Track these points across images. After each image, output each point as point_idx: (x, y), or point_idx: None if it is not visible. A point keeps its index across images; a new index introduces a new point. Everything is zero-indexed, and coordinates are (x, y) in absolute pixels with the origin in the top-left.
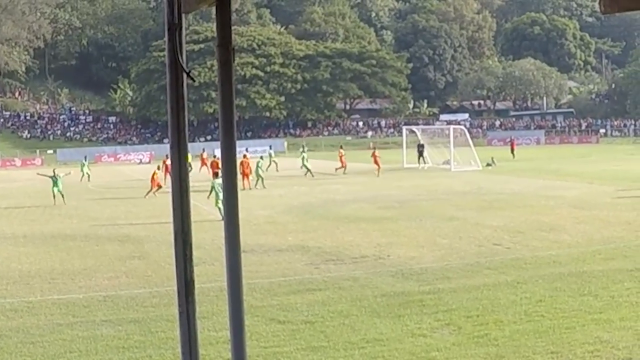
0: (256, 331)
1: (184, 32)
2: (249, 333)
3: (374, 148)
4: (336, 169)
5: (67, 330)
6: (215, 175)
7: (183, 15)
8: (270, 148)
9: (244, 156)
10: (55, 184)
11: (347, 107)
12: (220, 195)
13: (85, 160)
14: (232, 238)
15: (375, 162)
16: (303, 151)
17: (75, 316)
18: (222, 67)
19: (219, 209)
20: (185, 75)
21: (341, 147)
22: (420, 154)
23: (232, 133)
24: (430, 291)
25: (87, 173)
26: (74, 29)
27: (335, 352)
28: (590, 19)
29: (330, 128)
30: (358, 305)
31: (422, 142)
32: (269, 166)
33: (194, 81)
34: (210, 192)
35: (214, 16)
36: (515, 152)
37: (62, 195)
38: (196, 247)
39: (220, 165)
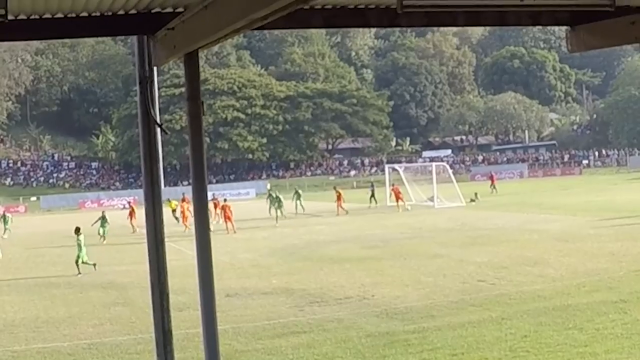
0: None
1: (155, 84)
2: None
3: (337, 191)
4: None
5: None
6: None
7: (154, 68)
8: (272, 189)
9: (225, 200)
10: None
11: (330, 146)
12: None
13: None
14: (205, 282)
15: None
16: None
17: None
18: (192, 120)
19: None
20: (157, 128)
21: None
22: (372, 193)
23: (203, 183)
24: (415, 330)
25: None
26: (55, 75)
27: None
28: None
29: (313, 168)
30: (343, 347)
31: (372, 182)
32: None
33: (167, 134)
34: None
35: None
36: (496, 187)
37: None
38: (181, 292)
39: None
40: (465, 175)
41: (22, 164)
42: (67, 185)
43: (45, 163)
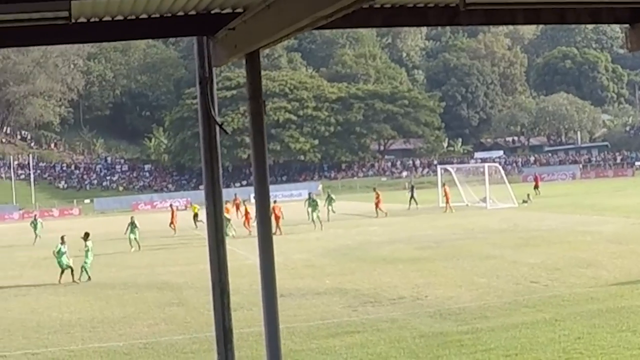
0: None
1: (214, 85)
2: None
3: (377, 192)
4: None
5: None
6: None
7: (214, 69)
8: (316, 192)
9: (274, 202)
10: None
11: (381, 147)
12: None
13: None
14: (267, 282)
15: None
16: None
17: None
18: (253, 119)
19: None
20: (217, 128)
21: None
22: (412, 195)
23: (265, 181)
24: (469, 331)
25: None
26: (107, 79)
27: None
28: (621, 51)
29: (365, 169)
30: (397, 347)
31: (412, 183)
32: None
33: (227, 133)
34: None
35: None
36: (539, 189)
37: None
38: (234, 293)
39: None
40: (517, 176)
41: (76, 167)
42: (120, 188)
43: (99, 166)
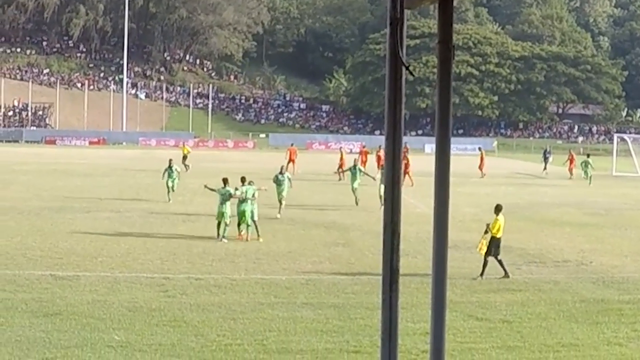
0: (454, 326)
1: (405, 27)
2: (447, 327)
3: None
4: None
5: (268, 309)
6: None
7: (405, 11)
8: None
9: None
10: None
11: (559, 110)
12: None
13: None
14: (440, 233)
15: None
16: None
17: (277, 297)
18: (441, 65)
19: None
20: (404, 70)
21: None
22: (546, 160)
23: (447, 129)
24: (630, 301)
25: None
26: (292, 17)
27: (530, 353)
28: None
29: (541, 131)
30: (556, 309)
31: (549, 149)
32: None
33: (413, 76)
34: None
35: (431, 12)
36: None
37: None
38: (401, 239)
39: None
40: None
41: (254, 101)
42: (296, 126)
43: (277, 102)
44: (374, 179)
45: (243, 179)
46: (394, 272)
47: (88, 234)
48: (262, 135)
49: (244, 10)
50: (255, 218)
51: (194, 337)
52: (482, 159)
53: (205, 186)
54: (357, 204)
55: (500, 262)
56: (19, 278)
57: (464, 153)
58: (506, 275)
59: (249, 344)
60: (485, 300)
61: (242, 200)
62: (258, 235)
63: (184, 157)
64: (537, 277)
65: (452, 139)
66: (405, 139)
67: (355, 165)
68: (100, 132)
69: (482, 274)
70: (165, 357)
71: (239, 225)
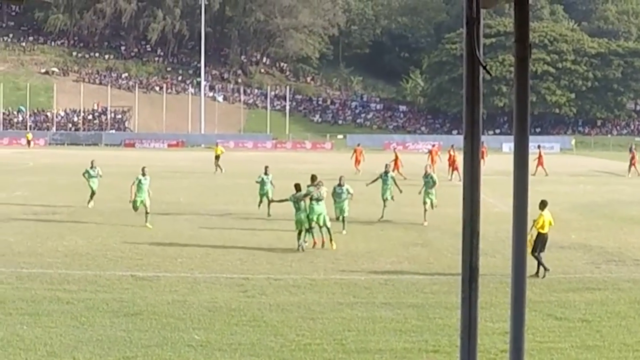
0: (533, 325)
1: (481, 26)
2: (526, 327)
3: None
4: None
5: (347, 309)
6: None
7: (481, 10)
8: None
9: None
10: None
11: (637, 107)
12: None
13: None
14: (519, 232)
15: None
16: None
17: (356, 296)
18: (518, 63)
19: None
20: (481, 69)
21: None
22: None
23: (525, 128)
24: None
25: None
26: (367, 18)
27: (610, 352)
28: None
29: (619, 128)
30: (636, 308)
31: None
32: None
33: (490, 75)
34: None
35: (507, 11)
36: None
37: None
38: (480, 238)
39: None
40: None
41: (332, 103)
42: (374, 126)
43: (354, 103)
44: (401, 191)
45: (313, 177)
46: (473, 270)
47: (168, 235)
48: (340, 136)
49: (320, 13)
50: (328, 223)
51: (273, 337)
52: (540, 157)
53: (272, 200)
54: (382, 216)
55: (539, 259)
56: (100, 278)
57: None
58: (537, 274)
59: (327, 344)
60: (564, 300)
61: (316, 201)
62: (331, 241)
63: (217, 158)
64: (616, 276)
65: (530, 137)
66: (483, 138)
67: (386, 172)
68: (179, 135)
69: (537, 273)
70: (245, 357)
71: (310, 230)
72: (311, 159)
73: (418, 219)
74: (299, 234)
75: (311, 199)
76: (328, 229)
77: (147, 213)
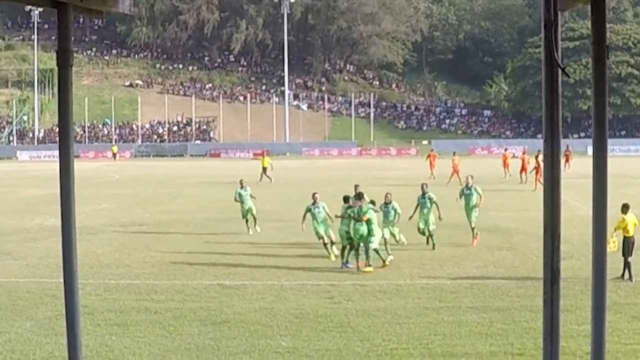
0: (617, 328)
1: (559, 29)
2: (611, 329)
3: None
4: None
5: (433, 314)
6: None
7: (559, 13)
8: None
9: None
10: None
11: None
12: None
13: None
14: (599, 234)
15: None
16: None
17: (442, 301)
18: (595, 64)
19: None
20: (560, 71)
21: None
22: None
23: (603, 129)
24: None
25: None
26: (450, 23)
27: None
28: None
29: None
30: None
31: None
32: None
33: (569, 77)
34: None
35: (589, 14)
36: None
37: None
38: (564, 242)
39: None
40: None
41: (416, 109)
42: (458, 132)
43: (438, 108)
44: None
45: (355, 188)
46: (555, 272)
47: (254, 243)
48: (425, 142)
49: (402, 19)
50: (376, 245)
51: (360, 342)
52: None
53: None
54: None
55: (628, 264)
56: (187, 288)
57: (627, 154)
58: (622, 276)
59: (414, 348)
60: None
61: (355, 220)
62: (384, 262)
63: (264, 169)
64: None
65: (615, 141)
66: (567, 141)
67: (424, 193)
68: (264, 144)
69: (622, 276)
70: None
71: (353, 249)
72: (396, 166)
73: (503, 222)
74: (342, 249)
75: (351, 218)
76: (371, 251)
77: (254, 219)
